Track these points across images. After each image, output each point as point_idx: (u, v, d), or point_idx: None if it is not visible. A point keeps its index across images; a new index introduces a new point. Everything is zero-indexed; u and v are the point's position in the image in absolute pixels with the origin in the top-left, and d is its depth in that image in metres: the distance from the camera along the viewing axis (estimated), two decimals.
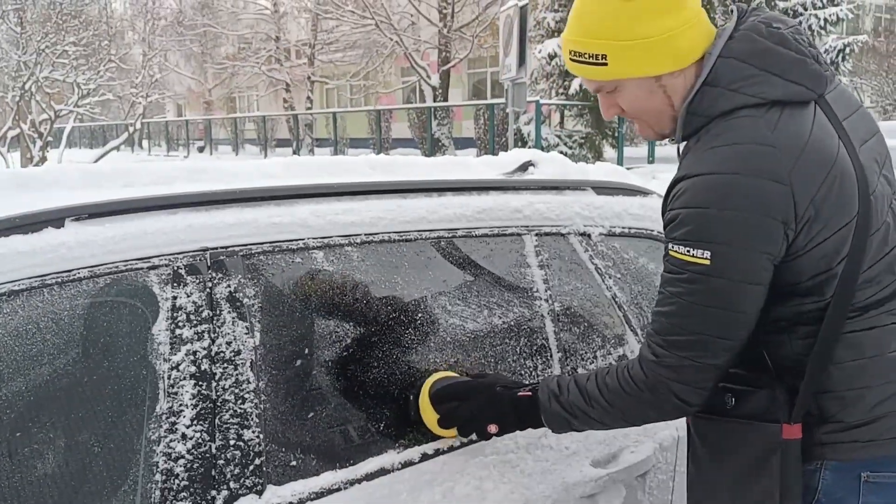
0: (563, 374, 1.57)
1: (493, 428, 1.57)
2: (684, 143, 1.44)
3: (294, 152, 29.10)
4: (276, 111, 34.54)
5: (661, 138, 1.53)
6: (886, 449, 1.33)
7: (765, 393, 1.37)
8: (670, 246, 1.35)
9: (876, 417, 1.33)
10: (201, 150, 35.84)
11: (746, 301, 1.31)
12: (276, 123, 33.51)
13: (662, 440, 1.85)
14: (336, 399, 1.58)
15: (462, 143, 25.70)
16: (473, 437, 1.62)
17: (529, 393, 1.55)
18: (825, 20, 21.97)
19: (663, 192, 2.37)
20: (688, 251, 1.31)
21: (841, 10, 21.99)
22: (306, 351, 1.56)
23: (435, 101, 26.55)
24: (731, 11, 1.44)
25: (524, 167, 2.29)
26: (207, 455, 1.36)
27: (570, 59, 1.47)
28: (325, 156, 2.08)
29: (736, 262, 1.29)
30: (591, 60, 1.41)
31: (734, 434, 1.40)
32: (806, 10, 22.12)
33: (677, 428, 1.89)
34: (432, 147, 24.78)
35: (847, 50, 21.89)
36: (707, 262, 1.29)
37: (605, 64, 1.40)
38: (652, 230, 2.14)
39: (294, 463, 1.45)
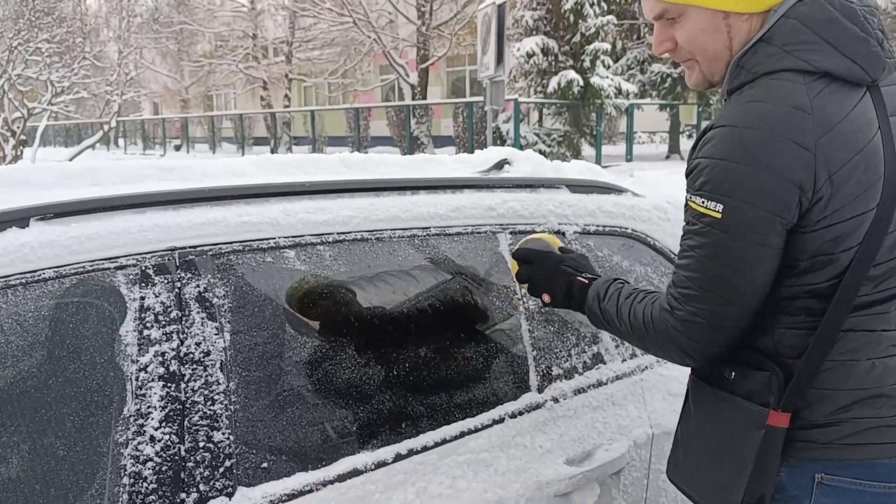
0: (617, 280, 1.59)
1: (546, 298, 1.68)
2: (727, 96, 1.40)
3: (272, 151, 28.96)
4: (253, 109, 34.34)
5: (708, 86, 1.47)
6: (841, 453, 1.31)
7: (763, 375, 1.34)
8: (689, 196, 1.33)
9: (836, 421, 1.31)
10: (178, 148, 35.58)
11: (755, 263, 1.28)
12: (253, 122, 33.33)
13: (637, 438, 1.86)
14: (308, 399, 1.57)
15: (441, 142, 25.70)
16: (447, 434, 1.61)
17: (586, 281, 1.62)
18: None
19: (640, 191, 2.39)
20: (703, 202, 1.29)
21: None
22: (277, 351, 1.55)
23: (413, 99, 26.52)
24: None
25: (499, 165, 2.29)
26: (176, 457, 1.34)
27: None
28: (302, 154, 2.05)
29: (747, 219, 1.26)
30: None
31: (724, 407, 1.39)
32: None
33: (651, 426, 1.89)
34: (411, 145, 24.75)
35: None
36: (718, 216, 1.27)
37: None
38: (626, 228, 2.14)
39: (265, 464, 1.44)
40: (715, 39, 1.38)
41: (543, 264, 1.67)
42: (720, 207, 1.27)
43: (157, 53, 37.30)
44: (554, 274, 1.65)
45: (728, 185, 1.27)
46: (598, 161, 20.58)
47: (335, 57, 30.32)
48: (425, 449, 1.59)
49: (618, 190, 2.26)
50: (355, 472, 1.49)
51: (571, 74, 19.45)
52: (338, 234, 1.64)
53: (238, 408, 1.43)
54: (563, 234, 1.99)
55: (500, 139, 19.35)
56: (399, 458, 1.55)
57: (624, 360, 1.97)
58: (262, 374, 1.51)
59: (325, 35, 30.03)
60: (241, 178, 1.83)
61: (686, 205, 1.35)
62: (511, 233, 1.91)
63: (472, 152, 2.58)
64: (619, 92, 20.08)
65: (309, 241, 1.60)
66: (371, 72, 31.90)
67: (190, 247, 1.47)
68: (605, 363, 1.94)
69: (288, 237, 1.57)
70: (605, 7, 20.24)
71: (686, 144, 25.47)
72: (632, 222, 2.15)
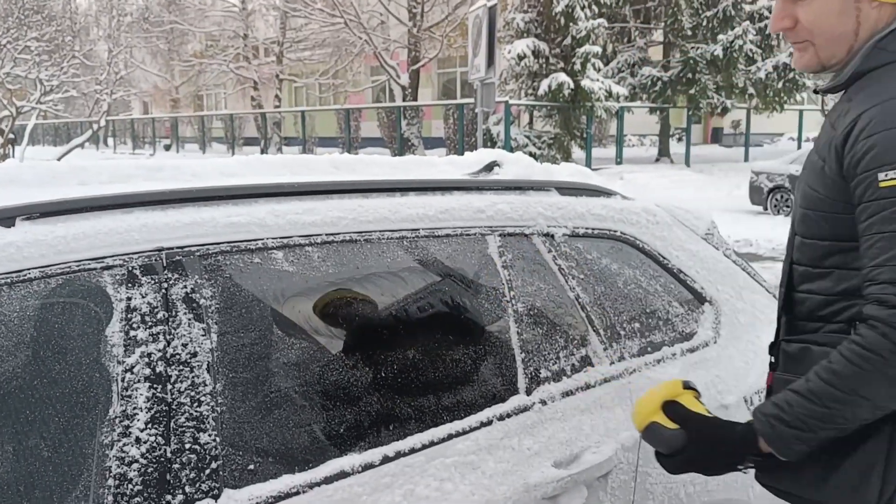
0: (778, 396, 1.36)
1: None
2: (841, 91, 1.43)
3: (262, 151, 28.93)
4: (243, 109, 34.28)
5: (820, 69, 1.46)
6: None
7: None
8: (877, 178, 1.25)
9: None
10: (168, 147, 35.47)
11: None
12: (243, 122, 33.27)
13: (624, 441, 1.86)
14: (295, 401, 1.56)
15: (431, 143, 25.74)
16: (435, 436, 1.61)
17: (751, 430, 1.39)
18: None
19: (629, 194, 2.39)
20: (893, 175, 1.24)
21: None
22: (265, 353, 1.54)
23: (404, 100, 26.54)
24: None
25: (489, 167, 2.29)
26: (162, 459, 1.34)
27: None
28: (292, 154, 2.04)
29: None
30: None
31: None
32: (771, 13, 22.29)
33: None
34: (401, 146, 24.76)
35: None
36: None
37: None
38: (615, 230, 2.14)
39: (252, 466, 1.43)
40: (843, 22, 1.39)
41: (710, 442, 1.40)
42: None
43: (147, 52, 37.18)
44: (715, 447, 1.41)
45: None
46: (588, 163, 20.65)
47: (326, 57, 30.32)
48: (413, 451, 1.59)
49: (607, 193, 2.26)
50: (342, 474, 1.48)
51: (562, 77, 19.50)
52: (326, 235, 1.63)
53: (225, 409, 1.43)
54: (553, 236, 1.99)
55: (490, 141, 19.38)
56: (386, 460, 1.54)
57: (612, 363, 1.97)
58: (249, 375, 1.50)
59: (316, 35, 30.01)
60: (230, 179, 1.83)
61: (873, 189, 1.26)
62: (500, 235, 1.91)
63: (462, 154, 2.58)
64: (609, 95, 20.14)
65: (297, 243, 1.59)
66: (362, 73, 31.90)
67: (177, 247, 1.46)
68: (592, 366, 1.94)
69: (276, 238, 1.57)
70: (596, 10, 20.31)
71: (675, 147, 25.60)
72: (621, 225, 2.16)
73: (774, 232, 13.65)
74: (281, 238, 1.58)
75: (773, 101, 23.02)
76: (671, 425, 1.44)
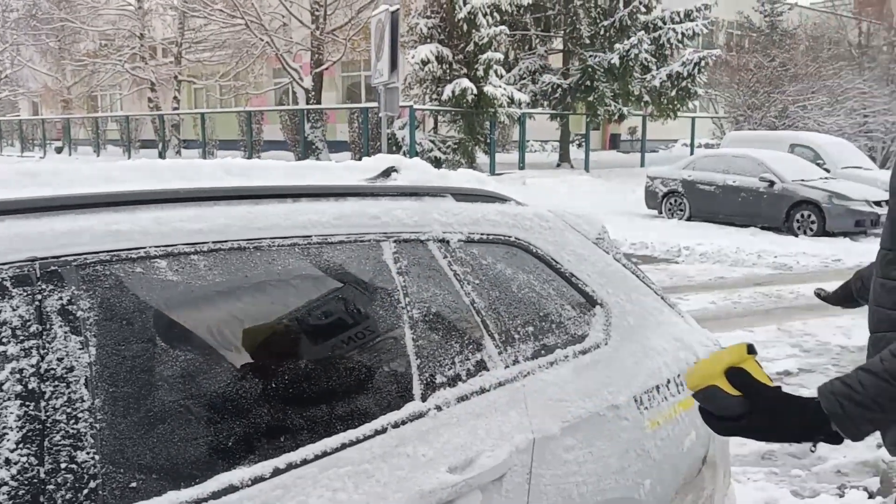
0: (837, 378, 1.37)
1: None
2: None
3: (160, 154, 28.08)
4: (140, 111, 33.17)
5: None
6: None
7: None
8: None
9: None
10: (59, 150, 33.98)
11: None
12: (140, 124, 32.20)
13: (518, 443, 1.88)
14: (180, 415, 1.51)
15: (336, 147, 25.53)
16: (328, 446, 1.59)
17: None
18: (682, 34, 23.19)
19: (523, 199, 2.43)
20: None
21: (696, 25, 23.25)
22: (148, 365, 1.48)
23: (308, 103, 26.25)
24: None
25: (386, 173, 2.28)
26: (35, 480, 1.27)
27: None
28: (191, 157, 1.98)
29: None
30: None
31: None
32: (665, 24, 23.27)
33: (533, 431, 1.92)
34: (305, 150, 24.48)
35: (702, 63, 23.18)
36: None
37: None
38: (510, 236, 2.17)
39: (134, 484, 1.37)
40: None
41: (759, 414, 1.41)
42: None
43: (35, 51, 35.49)
44: (776, 418, 1.41)
45: None
46: (492, 168, 20.91)
47: (227, 59, 29.68)
48: (305, 462, 1.56)
49: (501, 199, 2.29)
50: (231, 489, 1.44)
51: (465, 83, 19.69)
52: (213, 242, 1.59)
53: (105, 425, 1.37)
54: (448, 242, 2.00)
55: (395, 145, 19.38)
56: (278, 472, 1.51)
57: (507, 367, 1.99)
58: (131, 389, 1.44)
59: (216, 36, 29.35)
60: (113, 185, 1.75)
61: None
62: (395, 241, 1.91)
63: (368, 157, 2.57)
64: (511, 101, 20.46)
65: (182, 251, 1.54)
66: (264, 75, 31.38)
67: (52, 257, 1.40)
68: (487, 370, 1.95)
69: (160, 247, 1.52)
70: (498, 17, 20.59)
71: (576, 153, 26.22)
72: (515, 230, 2.19)
73: (668, 234, 14.13)
74: (165, 246, 1.53)
75: (667, 108, 23.85)
76: (732, 392, 1.43)
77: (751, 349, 1.47)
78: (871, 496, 3.60)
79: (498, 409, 1.91)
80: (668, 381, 2.35)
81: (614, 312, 2.33)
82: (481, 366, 1.95)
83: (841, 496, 3.67)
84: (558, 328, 2.18)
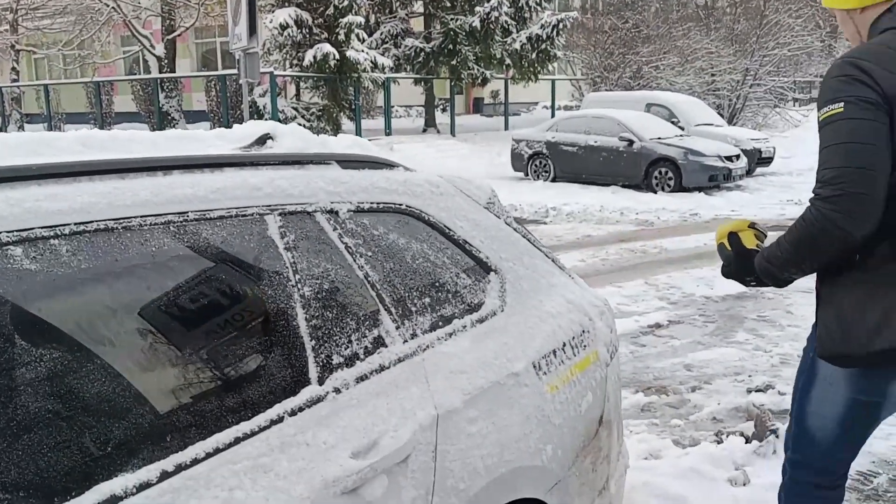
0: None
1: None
2: None
3: (0, 129, 26.10)
4: None
5: None
6: None
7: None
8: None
9: None
10: None
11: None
12: None
13: (422, 420, 1.80)
14: (49, 420, 1.33)
15: (194, 117, 24.53)
16: (220, 442, 1.45)
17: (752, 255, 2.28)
18: None
19: (404, 163, 2.33)
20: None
21: None
22: (6, 367, 1.29)
23: (161, 72, 25.01)
24: None
25: (262, 140, 2.12)
26: None
27: None
28: (33, 133, 1.75)
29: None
30: None
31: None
32: None
33: (435, 406, 1.84)
34: (161, 121, 23.38)
35: (560, 25, 23.65)
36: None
37: None
38: (400, 204, 2.07)
39: None
40: (847, 29, 2.21)
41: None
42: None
43: None
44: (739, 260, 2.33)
45: None
46: (357, 134, 20.61)
47: (69, 26, 27.78)
48: (196, 461, 1.41)
49: (389, 165, 2.18)
50: (113, 500, 1.29)
51: (327, 48, 19.24)
52: (76, 224, 1.40)
53: None
54: (338, 212, 1.87)
55: (257, 113, 18.77)
56: (165, 476, 1.36)
57: (405, 342, 1.90)
58: None
59: (55, 2, 27.39)
60: None
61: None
62: (280, 214, 1.77)
63: (228, 127, 2.38)
64: (374, 66, 20.19)
65: (40, 235, 1.35)
66: (112, 43, 29.65)
67: None
68: (386, 346, 1.86)
69: (12, 231, 1.32)
70: None
71: (441, 118, 26.27)
72: (405, 198, 2.09)
73: (535, 196, 14.42)
74: (18, 231, 1.33)
75: (528, 71, 24.20)
76: (729, 248, 2.35)
77: (752, 225, 2.37)
78: (747, 441, 3.76)
79: (399, 387, 1.82)
80: (564, 345, 2.33)
81: (508, 278, 2.28)
82: (379, 342, 1.85)
83: (720, 443, 3.82)
84: (455, 297, 2.11)
